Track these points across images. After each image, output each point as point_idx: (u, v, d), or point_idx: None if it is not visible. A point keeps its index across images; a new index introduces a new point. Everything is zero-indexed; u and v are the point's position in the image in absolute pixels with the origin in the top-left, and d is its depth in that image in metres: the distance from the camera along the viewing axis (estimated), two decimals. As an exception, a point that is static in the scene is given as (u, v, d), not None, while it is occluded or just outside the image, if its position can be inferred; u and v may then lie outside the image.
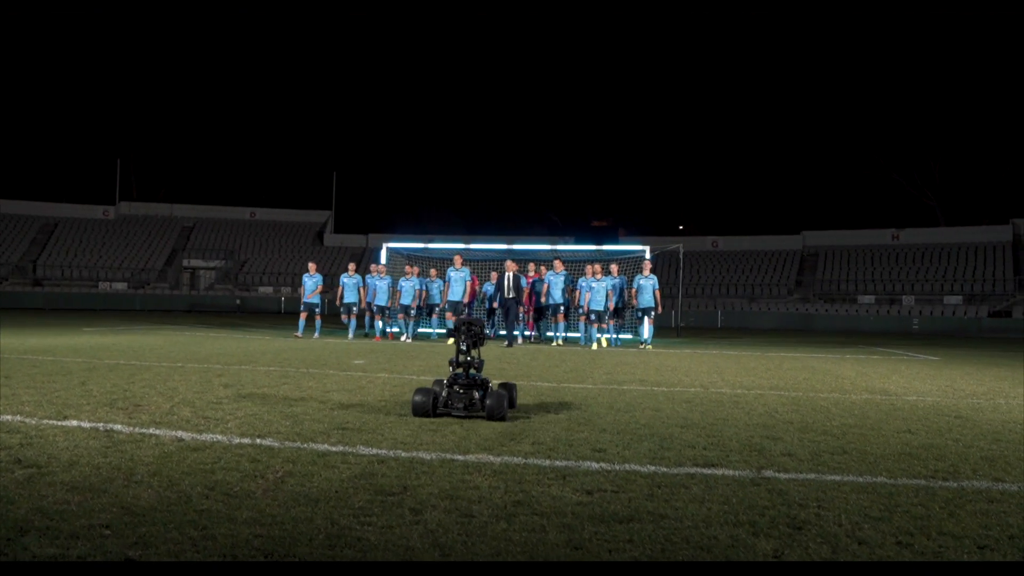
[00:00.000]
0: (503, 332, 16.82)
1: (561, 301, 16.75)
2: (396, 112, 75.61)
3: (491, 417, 5.80)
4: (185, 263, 45.60)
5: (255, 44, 70.59)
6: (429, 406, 5.88)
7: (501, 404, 5.82)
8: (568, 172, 68.85)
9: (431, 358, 11.99)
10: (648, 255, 18.75)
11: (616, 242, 43.26)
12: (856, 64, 62.43)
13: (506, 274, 16.35)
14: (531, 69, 76.77)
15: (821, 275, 44.31)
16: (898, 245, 44.96)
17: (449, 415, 5.95)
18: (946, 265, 42.25)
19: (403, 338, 17.11)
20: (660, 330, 18.46)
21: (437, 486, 3.83)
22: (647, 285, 16.28)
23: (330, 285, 21.24)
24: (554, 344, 16.49)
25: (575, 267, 19.68)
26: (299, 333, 16.98)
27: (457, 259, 17.11)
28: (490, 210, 61.27)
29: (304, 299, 17.35)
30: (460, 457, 4.53)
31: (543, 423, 5.85)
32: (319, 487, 3.75)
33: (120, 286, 41.41)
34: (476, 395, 5.96)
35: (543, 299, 16.90)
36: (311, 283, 17.42)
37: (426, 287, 17.47)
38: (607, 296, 16.08)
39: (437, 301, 17.52)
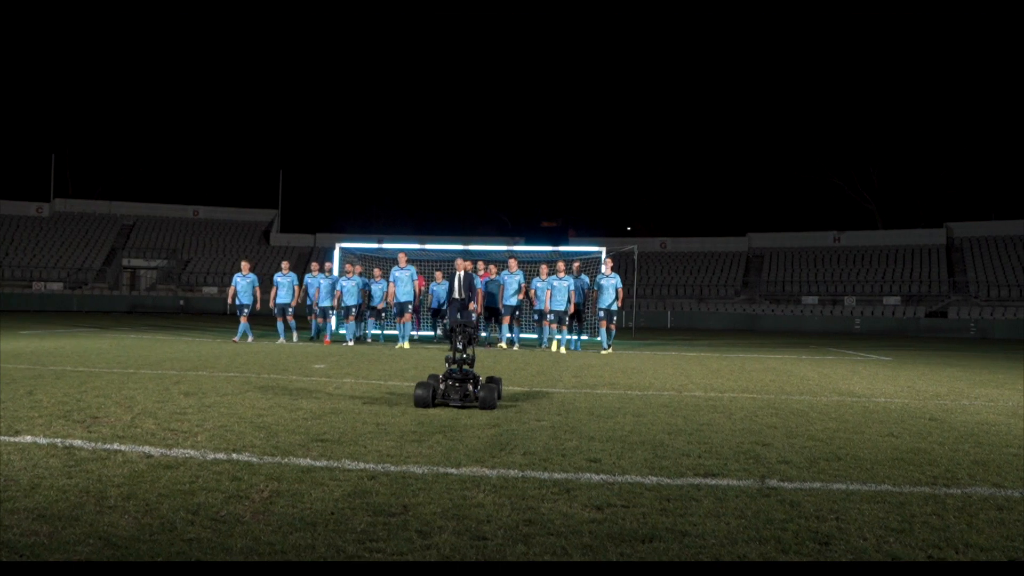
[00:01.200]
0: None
1: (515, 303, 15.82)
2: (344, 111, 74.43)
3: (484, 407, 6.50)
4: (125, 263, 43.89)
5: (198, 37, 68.66)
6: (429, 398, 6.52)
7: (492, 395, 6.58)
8: (517, 173, 68.80)
9: (393, 362, 11.68)
10: (605, 255, 18.63)
11: (566, 242, 43.40)
12: (798, 72, 64.02)
13: (457, 273, 15.15)
14: (478, 70, 76.58)
15: (766, 276, 45.23)
16: (839, 247, 46.22)
17: (447, 405, 6.60)
18: (885, 267, 43.58)
19: (348, 342, 15.67)
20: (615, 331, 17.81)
21: (438, 504, 3.60)
22: (608, 285, 15.31)
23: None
24: (501, 346, 15.56)
25: (530, 268, 19.33)
26: (250, 338, 15.85)
27: (401, 257, 16.02)
28: (440, 210, 60.77)
29: (238, 300, 15.99)
30: (454, 471, 4.31)
31: (528, 430, 5.66)
32: (312, 508, 3.48)
33: (56, 286, 39.62)
34: (470, 388, 6.70)
35: (500, 301, 15.90)
36: (244, 283, 16.06)
37: (368, 287, 16.17)
38: (569, 297, 15.23)
39: (377, 303, 16.11)
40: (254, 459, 4.43)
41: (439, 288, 16.51)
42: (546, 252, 21.46)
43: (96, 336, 16.43)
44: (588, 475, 4.30)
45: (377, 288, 16.14)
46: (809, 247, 46.81)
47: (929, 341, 27.30)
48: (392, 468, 4.31)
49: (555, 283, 15.25)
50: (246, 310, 15.99)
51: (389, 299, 15.85)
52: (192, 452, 4.55)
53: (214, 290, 41.78)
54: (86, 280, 41.13)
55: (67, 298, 38.01)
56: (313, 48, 73.05)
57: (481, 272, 16.52)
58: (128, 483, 3.79)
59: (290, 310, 16.30)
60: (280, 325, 16.19)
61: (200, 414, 5.93)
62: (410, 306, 15.75)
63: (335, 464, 4.36)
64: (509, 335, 16.01)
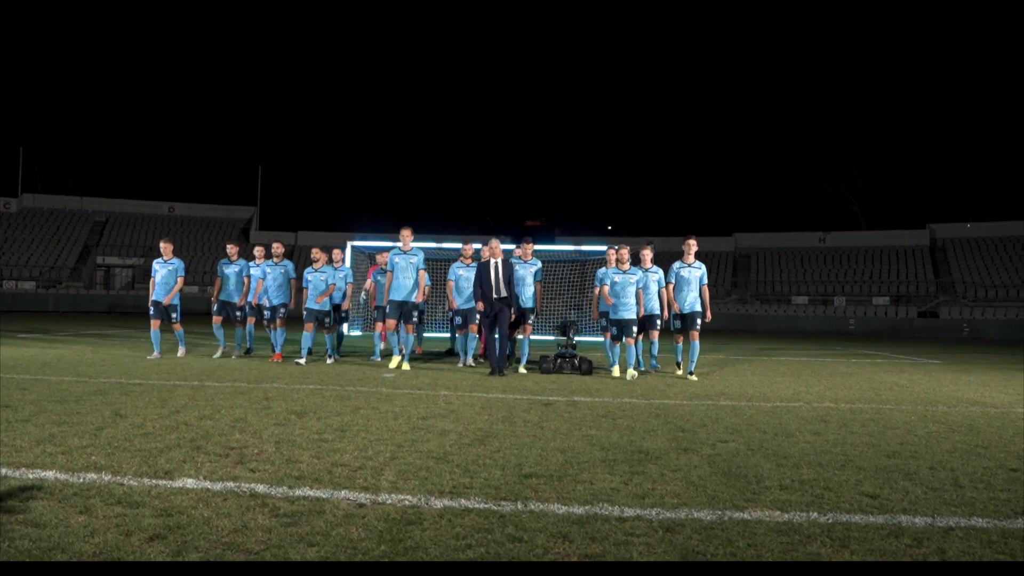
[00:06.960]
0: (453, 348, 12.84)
1: (531, 305, 11.01)
2: (325, 108, 72.85)
3: (584, 373, 10.11)
4: (99, 260, 42.05)
5: (175, 28, 66.48)
6: (551, 368, 10.16)
7: (590, 367, 10.22)
8: (499, 172, 68.07)
9: (468, 370, 10.78)
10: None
11: (553, 242, 42.64)
12: (783, 74, 64.40)
13: (493, 261, 10.40)
14: (460, 69, 75.66)
15: (755, 276, 45.13)
16: (825, 247, 46.35)
17: (561, 372, 10.18)
18: (871, 267, 43.77)
19: (303, 359, 10.92)
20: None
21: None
22: (691, 278, 10.48)
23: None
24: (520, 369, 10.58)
25: (551, 268, 17.46)
26: (156, 352, 11.45)
27: (405, 235, 10.94)
28: (422, 209, 59.79)
29: (154, 296, 11.64)
30: (741, 515, 3.53)
31: (732, 454, 4.92)
32: None
33: (28, 285, 37.68)
34: (576, 362, 10.22)
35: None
36: (165, 272, 11.62)
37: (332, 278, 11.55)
38: (636, 298, 10.20)
39: (339, 300, 11.81)
40: (492, 506, 3.57)
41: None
42: (568, 251, 19.58)
43: (105, 341, 15.16)
44: (905, 518, 3.56)
45: (339, 277, 11.80)
46: (795, 247, 46.88)
47: (933, 342, 27.26)
48: (669, 515, 3.50)
49: (616, 278, 10.20)
50: (175, 316, 11.67)
51: (383, 294, 11.53)
52: (408, 498, 3.66)
53: (194, 289, 40.23)
54: (59, 279, 39.25)
55: (41, 297, 36.18)
56: (295, 43, 71.37)
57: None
58: (393, 551, 2.91)
59: (237, 314, 12.14)
60: (219, 330, 12.17)
61: (346, 442, 5.02)
62: (416, 312, 10.87)
63: (596, 510, 3.53)
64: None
